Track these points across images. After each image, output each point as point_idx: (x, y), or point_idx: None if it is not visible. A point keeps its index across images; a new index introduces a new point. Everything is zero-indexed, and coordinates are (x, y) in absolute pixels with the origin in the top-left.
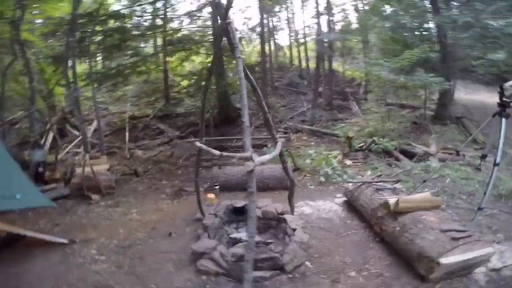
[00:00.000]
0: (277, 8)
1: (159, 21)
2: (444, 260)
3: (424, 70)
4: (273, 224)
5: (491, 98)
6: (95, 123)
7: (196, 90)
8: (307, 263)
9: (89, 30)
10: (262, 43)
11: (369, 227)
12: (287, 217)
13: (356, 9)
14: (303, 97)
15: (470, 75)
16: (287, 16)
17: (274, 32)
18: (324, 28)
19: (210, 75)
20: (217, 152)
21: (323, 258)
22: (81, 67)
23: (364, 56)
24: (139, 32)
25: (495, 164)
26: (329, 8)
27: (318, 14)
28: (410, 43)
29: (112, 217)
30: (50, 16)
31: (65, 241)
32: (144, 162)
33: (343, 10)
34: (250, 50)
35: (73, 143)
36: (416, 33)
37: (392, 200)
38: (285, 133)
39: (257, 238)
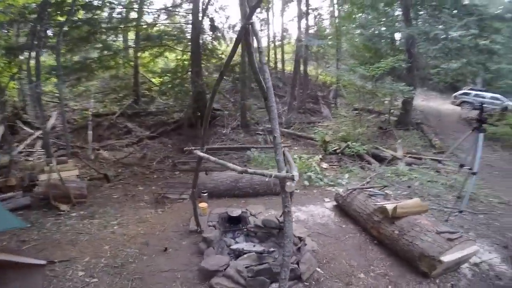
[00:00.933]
0: (257, 9)
1: (133, 15)
2: (445, 258)
3: (391, 78)
4: (274, 233)
5: (443, 104)
6: (52, 120)
7: (169, 88)
8: (318, 269)
9: (56, 21)
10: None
11: (365, 230)
12: None
13: (332, 16)
14: (278, 100)
15: (427, 83)
16: (266, 18)
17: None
18: (302, 32)
19: (221, 78)
20: (239, 168)
21: (331, 263)
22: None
23: (337, 62)
24: (110, 25)
25: (473, 173)
26: (307, 13)
27: (300, 18)
28: (382, 52)
29: (90, 231)
30: (12, 4)
31: (43, 262)
32: (113, 165)
33: (319, 15)
34: (224, 49)
35: (26, 142)
36: (387, 42)
37: (389, 205)
38: (263, 134)
39: (259, 247)
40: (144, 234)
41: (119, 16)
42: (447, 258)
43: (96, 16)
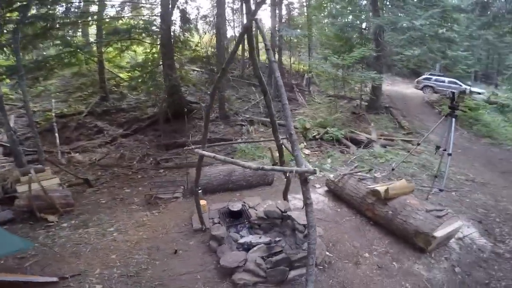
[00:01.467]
0: None
1: (93, 8)
2: (437, 234)
3: (361, 66)
4: (277, 223)
5: (407, 89)
6: (11, 124)
7: (140, 83)
8: (327, 252)
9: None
10: (219, 34)
11: (359, 213)
12: (292, 213)
13: (301, 5)
14: (254, 89)
15: (391, 69)
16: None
17: (227, 22)
18: (276, 22)
19: (224, 74)
20: (254, 166)
21: (336, 245)
22: None
23: (309, 51)
24: (68, 20)
25: (449, 154)
26: (280, 2)
27: (273, 7)
28: (352, 41)
29: (89, 240)
30: None
31: (54, 279)
32: (90, 168)
33: (291, 4)
34: (197, 40)
35: None
36: (356, 31)
37: (381, 188)
38: (243, 125)
39: (266, 238)
40: (147, 238)
41: (78, 10)
42: (439, 233)
43: (51, 11)
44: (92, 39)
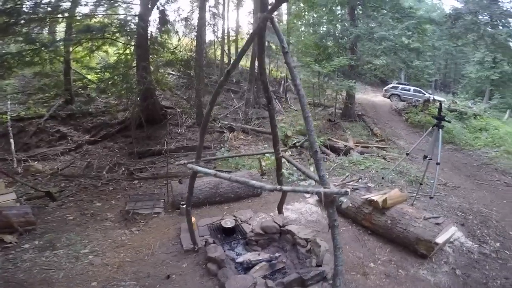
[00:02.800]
0: (212, 2)
1: (64, 4)
2: (439, 240)
3: (336, 74)
4: (276, 238)
5: (376, 97)
6: None
7: (111, 85)
8: (332, 267)
9: None
10: (199, 37)
11: (355, 222)
12: (291, 228)
13: (284, 13)
14: (233, 95)
15: (361, 78)
16: (222, 12)
17: (210, 26)
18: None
19: (227, 77)
20: (268, 186)
21: None
22: None
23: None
24: (36, 16)
25: (437, 163)
26: (264, 8)
27: (255, 13)
28: (329, 50)
29: (60, 265)
30: None
31: None
32: (51, 179)
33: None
34: (176, 43)
35: None
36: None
37: (379, 198)
38: (222, 132)
39: (265, 255)
40: (131, 261)
41: (48, 5)
42: (440, 239)
43: (18, 6)
44: (59, 37)
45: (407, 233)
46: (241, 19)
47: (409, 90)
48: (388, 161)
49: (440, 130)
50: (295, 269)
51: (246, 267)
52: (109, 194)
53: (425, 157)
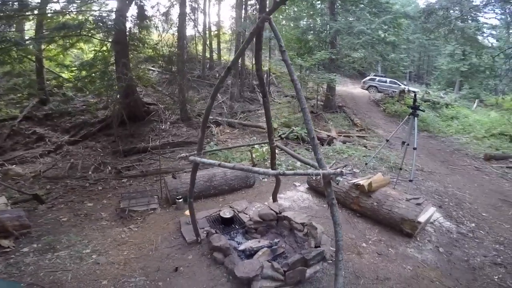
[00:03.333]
0: None
1: (35, 1)
2: (421, 219)
3: (317, 67)
4: (273, 224)
5: (355, 89)
6: None
7: (88, 83)
8: (330, 247)
9: None
10: (181, 33)
11: (344, 206)
12: (288, 214)
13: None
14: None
15: (341, 70)
16: (202, 6)
17: (191, 21)
18: (241, 22)
19: (228, 73)
20: (271, 172)
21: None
22: None
23: (269, 51)
24: (3, 13)
25: (414, 148)
26: (246, 3)
27: (239, 8)
28: (310, 44)
29: (65, 266)
30: None
31: None
32: (34, 182)
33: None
34: (157, 39)
35: None
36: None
37: (365, 182)
38: (208, 126)
39: (265, 241)
40: (136, 257)
41: (15, 2)
42: (422, 218)
43: None
44: (28, 35)
45: (392, 213)
46: (222, 13)
47: (385, 81)
48: (369, 149)
49: (416, 118)
50: (295, 252)
51: (249, 254)
52: (99, 193)
53: (403, 143)
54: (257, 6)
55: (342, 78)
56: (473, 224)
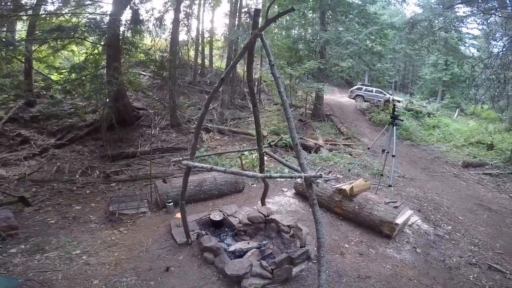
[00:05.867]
0: (187, 2)
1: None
2: (398, 221)
3: (306, 76)
4: (262, 227)
5: (342, 98)
6: None
7: (77, 86)
8: (314, 247)
9: None
10: (175, 39)
11: (328, 210)
12: (275, 216)
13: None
14: (207, 96)
15: (329, 79)
16: (196, 13)
17: (184, 27)
18: (233, 30)
19: (221, 83)
20: (259, 175)
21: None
22: None
23: (261, 59)
24: None
25: (392, 156)
26: (240, 11)
27: (233, 16)
28: (300, 53)
29: (55, 267)
30: None
31: None
32: (19, 185)
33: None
34: (149, 43)
35: None
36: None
37: (346, 187)
38: None
39: (253, 243)
40: (127, 258)
41: (11, 2)
42: (399, 220)
43: None
44: (18, 35)
45: (372, 216)
46: (216, 20)
47: (371, 91)
48: (354, 156)
49: (394, 127)
50: (282, 252)
51: (238, 255)
52: (87, 197)
53: (383, 151)
54: (247, 15)
55: (330, 87)
56: (449, 227)
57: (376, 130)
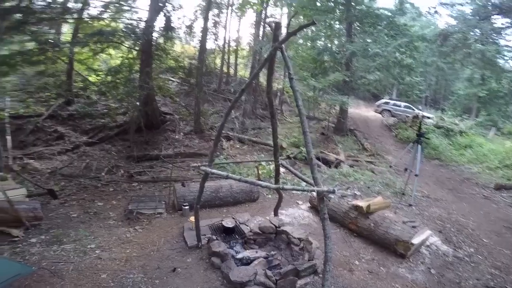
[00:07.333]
0: (215, 11)
1: (72, 5)
2: (414, 241)
3: (331, 89)
4: (272, 237)
5: (368, 112)
6: None
7: (111, 88)
8: (322, 261)
9: None
10: (203, 46)
11: (342, 226)
12: (286, 228)
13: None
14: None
15: (355, 92)
16: (224, 21)
17: (212, 35)
18: (258, 40)
19: (242, 94)
20: (272, 186)
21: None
22: None
23: (285, 70)
24: (46, 16)
25: (416, 175)
26: (265, 21)
27: (258, 26)
28: (326, 65)
29: (68, 258)
30: None
31: None
32: (50, 178)
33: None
34: (179, 50)
35: None
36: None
37: (363, 203)
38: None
39: (262, 252)
40: (138, 256)
41: (59, 6)
42: (416, 240)
43: (31, 4)
44: (63, 38)
45: (388, 234)
46: (242, 29)
47: (400, 106)
48: (377, 174)
49: (420, 145)
50: (289, 264)
51: (245, 263)
52: (110, 194)
53: (405, 169)
54: (268, 26)
55: (356, 100)
56: (472, 249)
57: (402, 148)
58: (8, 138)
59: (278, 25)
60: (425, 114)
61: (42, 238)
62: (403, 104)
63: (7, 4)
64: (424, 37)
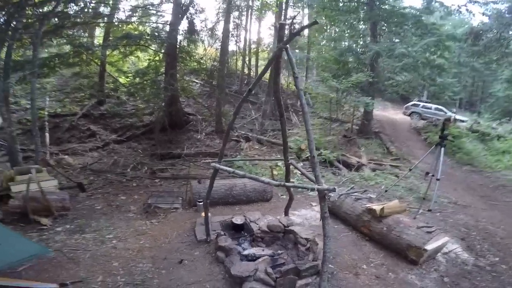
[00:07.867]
0: (236, 13)
1: (103, 10)
2: (428, 247)
3: (355, 90)
4: (280, 237)
5: (396, 114)
6: None
7: (139, 89)
8: (329, 264)
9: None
10: (223, 49)
11: (355, 229)
12: (295, 228)
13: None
14: (251, 106)
15: (381, 94)
16: (244, 23)
17: (233, 37)
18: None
19: (249, 94)
20: (274, 182)
21: (337, 258)
22: None
23: (306, 72)
24: (80, 20)
25: (437, 179)
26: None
27: (281, 27)
28: (349, 66)
29: (87, 247)
30: None
31: (55, 285)
32: (81, 172)
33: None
34: (201, 52)
35: None
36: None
37: (377, 207)
38: (238, 141)
39: (268, 251)
40: (149, 247)
41: (91, 10)
42: (429, 247)
43: (66, 9)
44: (96, 41)
45: (400, 239)
46: (262, 31)
47: (430, 108)
48: (400, 179)
49: (442, 148)
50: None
51: (250, 259)
52: (133, 189)
53: (427, 173)
54: (293, 26)
55: (383, 102)
56: (496, 258)
57: (431, 152)
58: (47, 135)
59: (282, 26)
60: (458, 117)
61: (67, 227)
62: (433, 106)
63: (45, 9)
64: (454, 36)
